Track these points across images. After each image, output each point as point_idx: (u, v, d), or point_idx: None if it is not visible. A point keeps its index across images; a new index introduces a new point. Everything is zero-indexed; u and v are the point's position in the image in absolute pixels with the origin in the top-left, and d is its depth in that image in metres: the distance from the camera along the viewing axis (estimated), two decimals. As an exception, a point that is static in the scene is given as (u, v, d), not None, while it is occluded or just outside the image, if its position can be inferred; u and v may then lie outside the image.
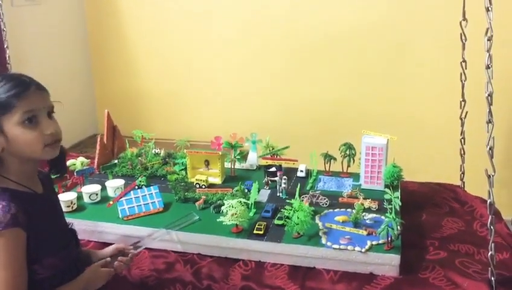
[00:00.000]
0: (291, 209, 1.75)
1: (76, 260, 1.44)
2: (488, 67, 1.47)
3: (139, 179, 2.13)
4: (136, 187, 2.04)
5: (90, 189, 2.03)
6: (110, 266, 1.47)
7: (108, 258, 1.49)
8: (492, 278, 1.55)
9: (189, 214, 1.88)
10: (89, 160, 2.21)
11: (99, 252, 1.60)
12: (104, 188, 2.08)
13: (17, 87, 1.27)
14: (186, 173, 2.21)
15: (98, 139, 2.30)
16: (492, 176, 1.53)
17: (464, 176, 2.27)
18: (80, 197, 2.01)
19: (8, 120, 1.26)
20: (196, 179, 2.14)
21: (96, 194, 2.02)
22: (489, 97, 1.49)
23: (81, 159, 2.16)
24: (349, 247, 1.67)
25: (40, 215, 1.31)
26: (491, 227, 1.55)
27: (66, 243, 1.41)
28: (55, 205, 1.45)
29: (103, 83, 3.65)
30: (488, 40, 1.46)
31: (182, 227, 1.79)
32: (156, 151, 2.45)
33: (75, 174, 2.11)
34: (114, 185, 2.07)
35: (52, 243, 1.36)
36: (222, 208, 1.80)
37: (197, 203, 1.97)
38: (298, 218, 1.72)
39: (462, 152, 2.23)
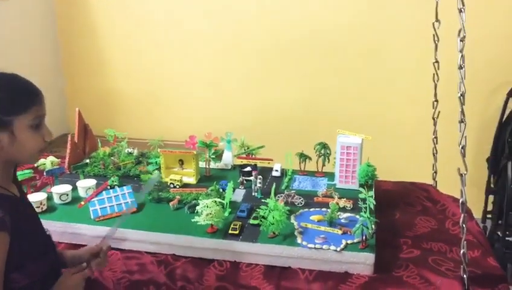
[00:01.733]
0: (266, 209, 1.74)
1: (56, 264, 1.41)
2: (460, 67, 1.49)
3: (112, 179, 2.08)
4: (108, 187, 2.00)
5: (60, 189, 1.97)
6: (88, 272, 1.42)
7: (84, 264, 1.43)
8: (465, 276, 1.57)
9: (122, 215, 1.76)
10: (59, 159, 2.15)
11: (69, 253, 1.54)
12: (75, 189, 2.03)
13: (32, 91, 1.27)
14: (160, 172, 2.17)
15: (69, 138, 2.24)
16: (465, 174, 1.55)
17: (436, 175, 2.31)
18: (50, 198, 1.96)
19: (19, 121, 1.24)
20: (170, 179, 2.11)
21: (67, 195, 1.96)
22: (461, 97, 1.52)
23: (51, 158, 2.10)
24: (324, 246, 1.67)
25: (22, 219, 1.28)
26: (463, 225, 1.57)
27: (45, 247, 1.37)
28: (33, 208, 1.42)
29: (74, 80, 3.57)
30: (460, 40, 1.48)
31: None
32: (129, 150, 2.41)
33: (44, 174, 2.05)
34: (85, 185, 2.02)
35: (34, 248, 1.32)
36: (197, 208, 1.77)
37: (171, 203, 1.94)
38: (273, 218, 1.71)
39: (435, 151, 2.26)
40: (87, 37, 3.44)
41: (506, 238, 2.72)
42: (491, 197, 3.02)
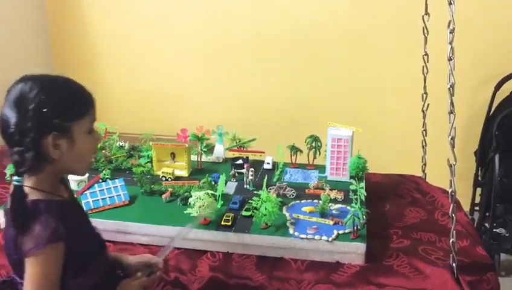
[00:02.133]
0: (259, 201, 1.76)
1: (111, 265, 1.39)
2: (450, 59, 1.51)
3: (104, 172, 2.08)
4: (100, 180, 2.00)
5: None
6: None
7: (139, 274, 1.42)
8: (454, 264, 1.60)
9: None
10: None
11: (125, 257, 1.50)
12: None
13: (88, 94, 1.23)
14: (151, 165, 2.18)
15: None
16: (454, 165, 1.57)
17: (425, 167, 2.33)
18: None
19: (78, 126, 1.19)
20: (162, 172, 2.12)
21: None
22: (451, 88, 1.54)
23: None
24: (316, 236, 1.69)
25: (75, 223, 1.23)
26: (453, 215, 1.59)
27: (99, 247, 1.35)
28: (82, 207, 1.39)
29: (65, 74, 3.54)
30: (450, 32, 1.50)
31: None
32: (121, 144, 2.41)
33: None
34: (77, 178, 2.00)
35: (90, 249, 1.29)
36: (189, 200, 1.78)
37: (163, 196, 1.94)
38: (266, 209, 1.72)
39: (424, 144, 2.29)
40: (78, 32, 3.42)
41: (494, 230, 2.76)
42: (478, 190, 3.05)
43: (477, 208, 3.08)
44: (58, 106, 1.15)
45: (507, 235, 2.74)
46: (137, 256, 1.50)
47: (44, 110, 1.12)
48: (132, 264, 1.45)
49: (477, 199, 3.07)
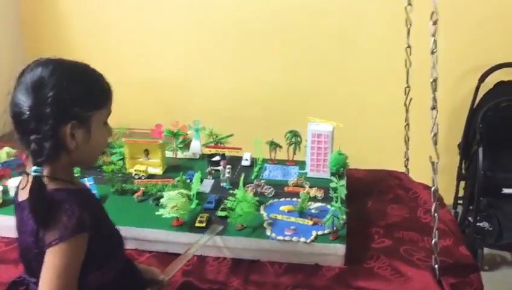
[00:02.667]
0: (234, 200, 1.68)
1: (128, 262, 1.34)
2: (433, 52, 1.44)
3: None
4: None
5: (17, 182, 1.85)
6: None
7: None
8: (436, 266, 1.54)
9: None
10: (16, 150, 2.03)
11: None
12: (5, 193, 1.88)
13: (107, 84, 1.17)
14: (123, 163, 2.08)
15: None
16: (436, 163, 1.51)
17: (408, 163, 2.28)
18: (5, 191, 1.85)
19: (96, 117, 1.13)
20: (135, 170, 2.03)
21: (24, 188, 1.85)
22: (433, 83, 1.47)
23: (6, 149, 1.98)
24: (294, 238, 1.62)
25: (97, 214, 1.17)
26: (435, 215, 1.53)
27: (118, 241, 1.27)
28: (99, 199, 1.33)
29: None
30: (433, 24, 1.43)
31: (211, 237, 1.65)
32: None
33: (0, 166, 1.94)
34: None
35: (110, 242, 1.22)
36: (161, 200, 1.70)
37: (135, 195, 1.86)
38: (242, 209, 1.65)
39: (407, 139, 2.23)
40: (52, 26, 3.28)
41: (477, 224, 2.72)
42: (462, 183, 3.02)
43: (460, 201, 3.05)
44: (80, 94, 1.09)
45: (491, 229, 2.71)
46: (143, 267, 1.45)
47: (65, 97, 1.06)
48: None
49: (461, 193, 3.04)
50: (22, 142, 1.09)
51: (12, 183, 1.86)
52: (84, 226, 1.07)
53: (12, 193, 1.85)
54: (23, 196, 1.12)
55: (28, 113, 1.05)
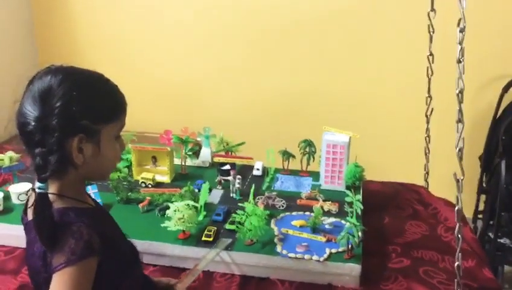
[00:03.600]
0: (243, 214, 1.59)
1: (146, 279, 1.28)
2: (459, 61, 1.34)
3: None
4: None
5: (19, 188, 1.80)
6: None
7: None
8: (459, 290, 1.43)
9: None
10: (20, 155, 1.96)
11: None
12: (7, 197, 1.82)
13: (121, 96, 1.09)
14: (129, 170, 2.01)
15: None
16: (461, 180, 1.41)
17: (428, 176, 2.17)
18: (7, 197, 1.79)
19: (107, 131, 1.05)
20: (142, 178, 1.96)
21: (26, 194, 1.79)
22: (460, 94, 1.37)
23: (9, 153, 1.91)
24: (306, 256, 1.53)
25: (109, 234, 1.08)
26: (459, 236, 1.43)
27: (133, 257, 1.20)
28: (112, 217, 1.22)
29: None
30: (460, 31, 1.33)
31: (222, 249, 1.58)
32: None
33: (1, 171, 1.87)
34: (17, 190, 1.81)
35: (124, 261, 1.14)
36: (167, 211, 1.62)
37: (140, 205, 1.78)
38: (251, 223, 1.56)
39: (427, 151, 2.13)
40: (64, 33, 3.22)
41: (498, 240, 2.60)
42: (482, 197, 2.89)
43: (480, 216, 2.93)
44: (90, 105, 1.01)
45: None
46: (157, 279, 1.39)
47: (74, 108, 0.98)
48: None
49: (481, 206, 2.92)
50: (29, 155, 1.01)
51: (14, 189, 1.79)
52: (93, 250, 0.99)
53: (14, 200, 1.79)
54: (31, 215, 1.03)
55: (33, 124, 0.97)
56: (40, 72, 1.02)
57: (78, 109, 0.98)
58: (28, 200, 1.11)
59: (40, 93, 0.98)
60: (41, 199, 0.97)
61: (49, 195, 1.00)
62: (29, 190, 1.06)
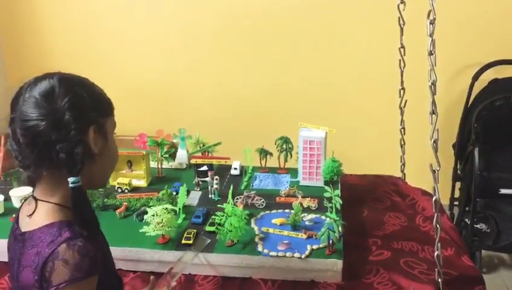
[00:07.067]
0: (223, 215, 1.58)
1: None
2: (431, 53, 1.35)
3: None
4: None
5: (20, 192, 1.78)
6: None
7: None
8: (440, 280, 1.45)
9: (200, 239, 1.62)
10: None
11: None
12: (8, 198, 1.81)
13: (109, 98, 1.11)
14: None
15: (2, 140, 2.00)
16: (438, 170, 1.42)
17: (404, 168, 2.19)
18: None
19: (109, 124, 1.08)
20: (118, 183, 1.92)
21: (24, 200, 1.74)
22: (432, 86, 1.38)
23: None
24: (287, 254, 1.52)
25: (104, 250, 1.08)
26: (437, 226, 1.44)
27: (117, 276, 1.20)
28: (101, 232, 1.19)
29: (16, 75, 3.26)
30: (430, 23, 1.34)
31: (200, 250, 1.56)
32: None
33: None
34: (20, 194, 1.79)
35: (114, 278, 1.15)
36: (145, 216, 1.59)
37: (117, 211, 1.74)
38: (231, 224, 1.54)
39: (402, 142, 2.14)
40: (31, 37, 3.14)
41: (474, 226, 2.65)
42: (457, 184, 2.94)
43: (456, 202, 2.98)
44: (92, 100, 1.04)
45: (488, 231, 2.65)
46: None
47: (81, 102, 1.01)
48: None
49: (457, 193, 2.97)
50: (38, 160, 0.98)
51: (15, 193, 1.79)
52: (97, 267, 0.97)
53: (15, 203, 1.76)
54: (32, 224, 1.00)
55: (44, 123, 0.96)
56: (29, 83, 1.01)
57: (85, 102, 1.01)
58: (20, 209, 1.09)
59: (42, 95, 0.98)
60: (79, 194, 0.98)
61: (51, 206, 1.00)
62: (27, 198, 1.04)
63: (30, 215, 1.01)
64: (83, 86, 1.04)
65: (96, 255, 0.97)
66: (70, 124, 0.97)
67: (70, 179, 0.97)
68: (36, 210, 1.01)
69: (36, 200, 1.02)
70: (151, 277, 1.38)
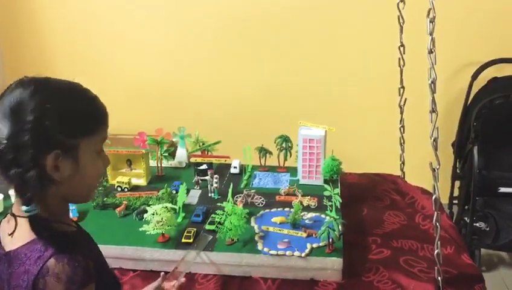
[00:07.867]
0: (223, 214, 1.58)
1: None
2: (430, 51, 1.35)
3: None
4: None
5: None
6: None
7: None
8: (439, 278, 1.45)
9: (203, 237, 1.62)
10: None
11: None
12: (7, 197, 1.81)
13: (99, 106, 1.00)
14: (105, 175, 1.97)
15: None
16: (437, 169, 1.42)
17: (403, 166, 2.19)
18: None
19: (85, 145, 0.96)
20: (117, 182, 1.92)
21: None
22: (432, 84, 1.38)
23: None
24: (287, 252, 1.53)
25: (96, 259, 1.01)
26: (437, 224, 1.44)
27: (115, 279, 1.16)
28: (93, 240, 1.14)
29: (15, 75, 3.26)
30: (430, 22, 1.34)
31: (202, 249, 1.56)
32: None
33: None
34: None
35: (111, 284, 1.11)
36: (145, 215, 1.59)
37: (117, 210, 1.74)
38: (231, 223, 1.55)
39: (402, 141, 2.14)
40: (30, 34, 3.14)
41: (474, 224, 2.65)
42: (457, 183, 2.95)
43: (455, 201, 2.98)
44: (64, 119, 0.93)
45: (487, 229, 2.65)
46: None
47: (46, 122, 0.90)
48: None
49: (456, 192, 2.97)
50: (5, 179, 0.92)
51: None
52: (91, 276, 0.93)
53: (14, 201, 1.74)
54: (15, 243, 0.95)
55: (5, 142, 0.89)
56: (11, 85, 0.94)
57: (51, 122, 0.91)
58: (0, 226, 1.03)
59: (11, 108, 0.90)
60: (35, 222, 0.92)
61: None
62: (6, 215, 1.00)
63: (11, 233, 0.95)
64: (61, 99, 0.95)
65: (88, 264, 0.92)
66: (27, 148, 0.89)
67: (24, 208, 0.91)
68: (17, 227, 0.95)
69: (15, 217, 0.95)
70: (162, 273, 1.37)
